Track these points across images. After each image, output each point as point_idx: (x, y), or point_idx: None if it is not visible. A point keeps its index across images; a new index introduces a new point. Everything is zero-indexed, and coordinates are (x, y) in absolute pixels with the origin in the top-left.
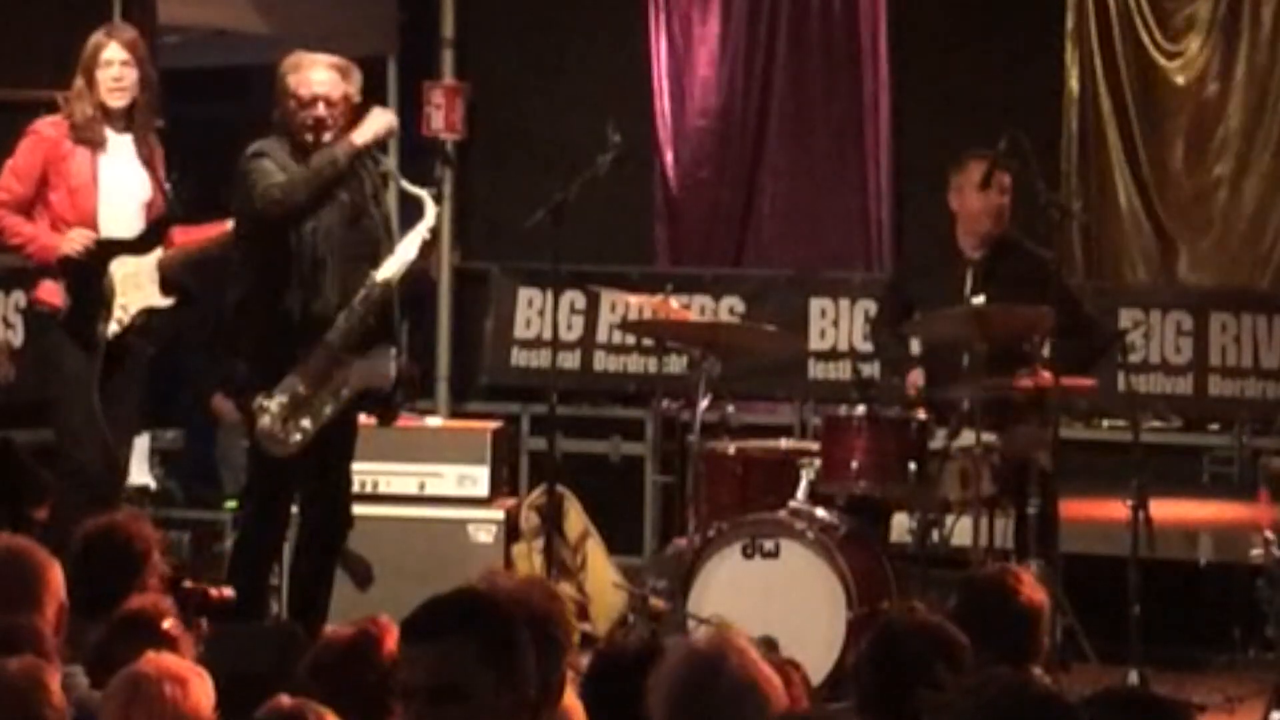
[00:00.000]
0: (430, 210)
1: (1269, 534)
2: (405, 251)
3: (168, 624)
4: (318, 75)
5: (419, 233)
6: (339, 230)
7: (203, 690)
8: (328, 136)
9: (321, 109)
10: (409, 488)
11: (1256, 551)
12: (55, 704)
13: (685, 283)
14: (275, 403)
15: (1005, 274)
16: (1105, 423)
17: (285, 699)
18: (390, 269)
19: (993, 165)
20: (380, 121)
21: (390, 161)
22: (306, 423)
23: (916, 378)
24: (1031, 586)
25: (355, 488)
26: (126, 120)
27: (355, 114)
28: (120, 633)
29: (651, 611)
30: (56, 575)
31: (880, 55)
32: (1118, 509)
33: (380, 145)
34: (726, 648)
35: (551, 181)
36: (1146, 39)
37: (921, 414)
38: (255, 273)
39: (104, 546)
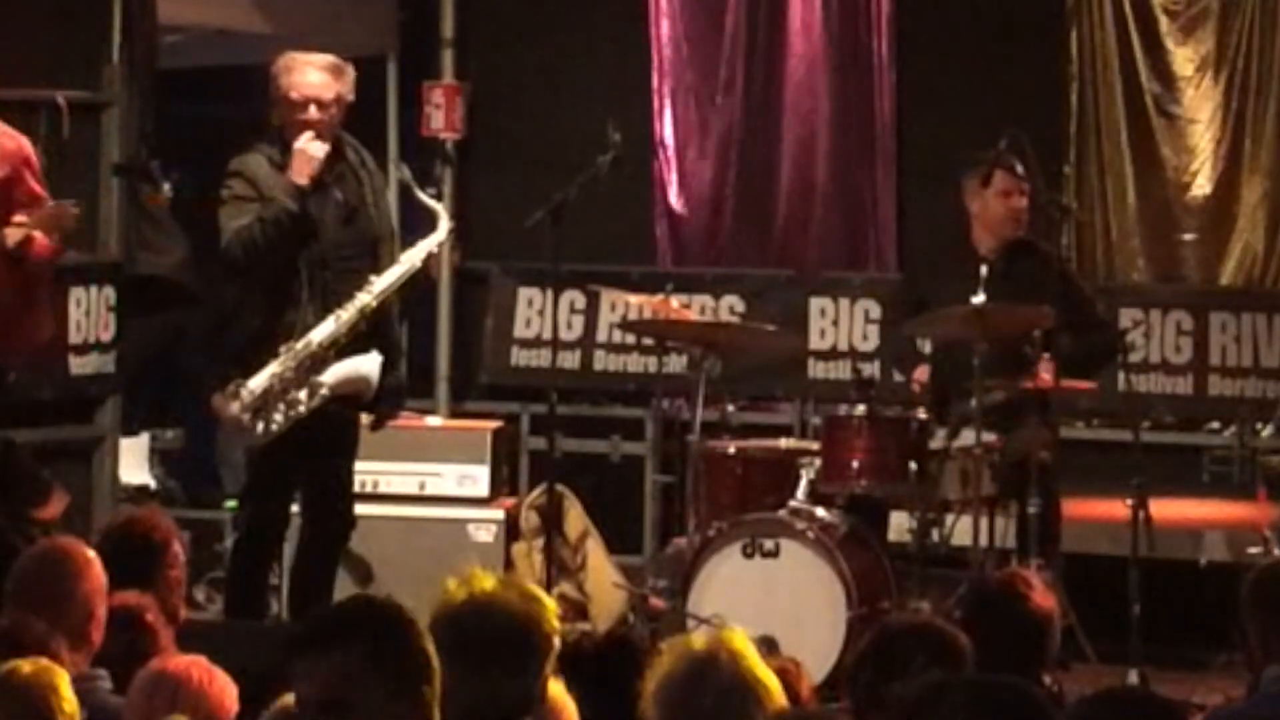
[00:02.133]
0: (444, 225)
1: (1268, 533)
2: (409, 261)
3: (149, 618)
4: (308, 78)
5: (428, 244)
6: (332, 229)
7: (226, 690)
8: (321, 138)
9: (313, 111)
10: (409, 487)
11: (1255, 550)
12: (66, 708)
13: (685, 282)
14: (247, 391)
15: (1020, 274)
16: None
17: (291, 699)
18: (390, 277)
19: (992, 166)
20: (304, 158)
21: (407, 171)
22: (278, 415)
23: (922, 374)
24: (1041, 593)
25: (355, 487)
26: None
27: (350, 113)
28: (106, 628)
29: (651, 611)
30: (91, 577)
31: (883, 54)
32: (1118, 509)
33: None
34: (719, 649)
35: (551, 181)
36: (1148, 38)
37: (922, 413)
38: (245, 277)
39: (123, 540)
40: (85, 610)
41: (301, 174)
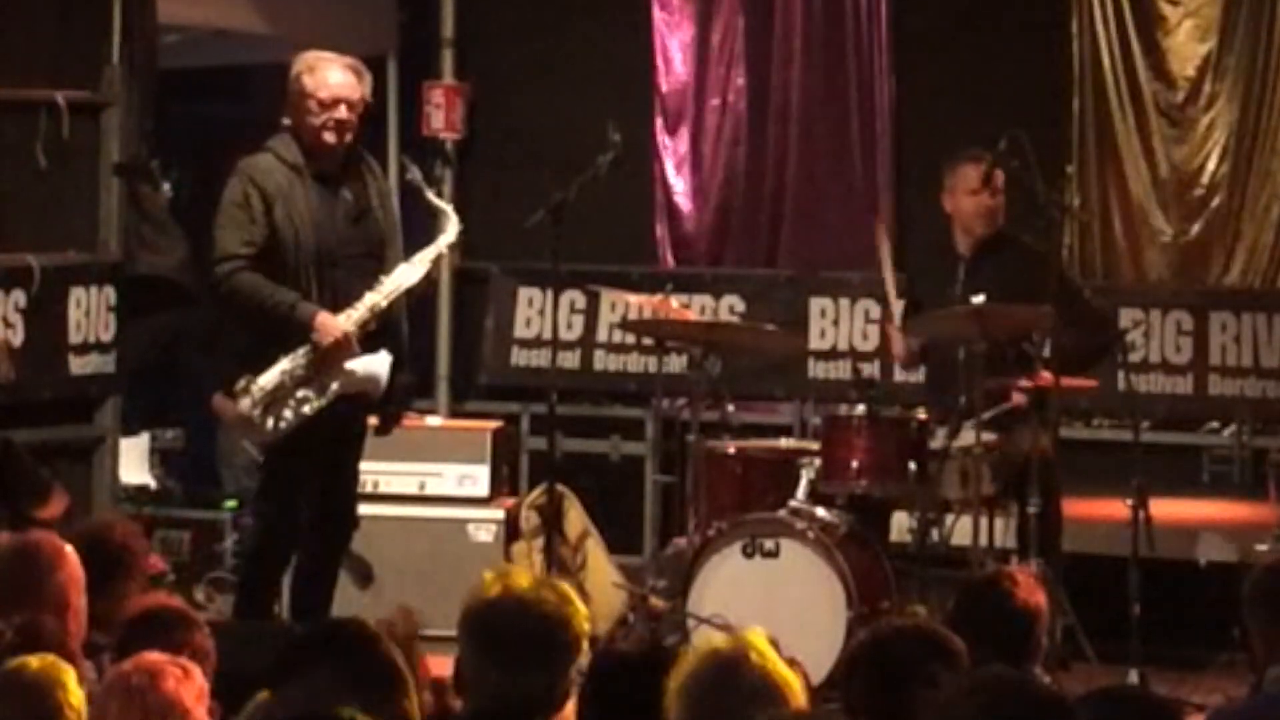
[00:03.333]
0: (453, 227)
1: (1278, 531)
2: (419, 262)
3: (183, 619)
4: (336, 77)
5: (438, 246)
6: (342, 228)
7: (183, 682)
8: (346, 138)
9: (343, 111)
10: (409, 487)
11: (1262, 547)
12: (74, 703)
13: (685, 282)
14: (257, 388)
15: (995, 272)
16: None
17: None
18: (400, 279)
19: (992, 165)
20: (337, 350)
21: (418, 172)
22: (287, 414)
23: (895, 335)
24: (1028, 588)
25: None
26: None
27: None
28: (138, 630)
29: (651, 611)
30: (65, 569)
31: (882, 54)
32: (1118, 509)
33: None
34: (747, 648)
35: (551, 181)
36: (1149, 37)
37: (922, 413)
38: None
39: (97, 548)
40: (60, 602)
41: (322, 340)
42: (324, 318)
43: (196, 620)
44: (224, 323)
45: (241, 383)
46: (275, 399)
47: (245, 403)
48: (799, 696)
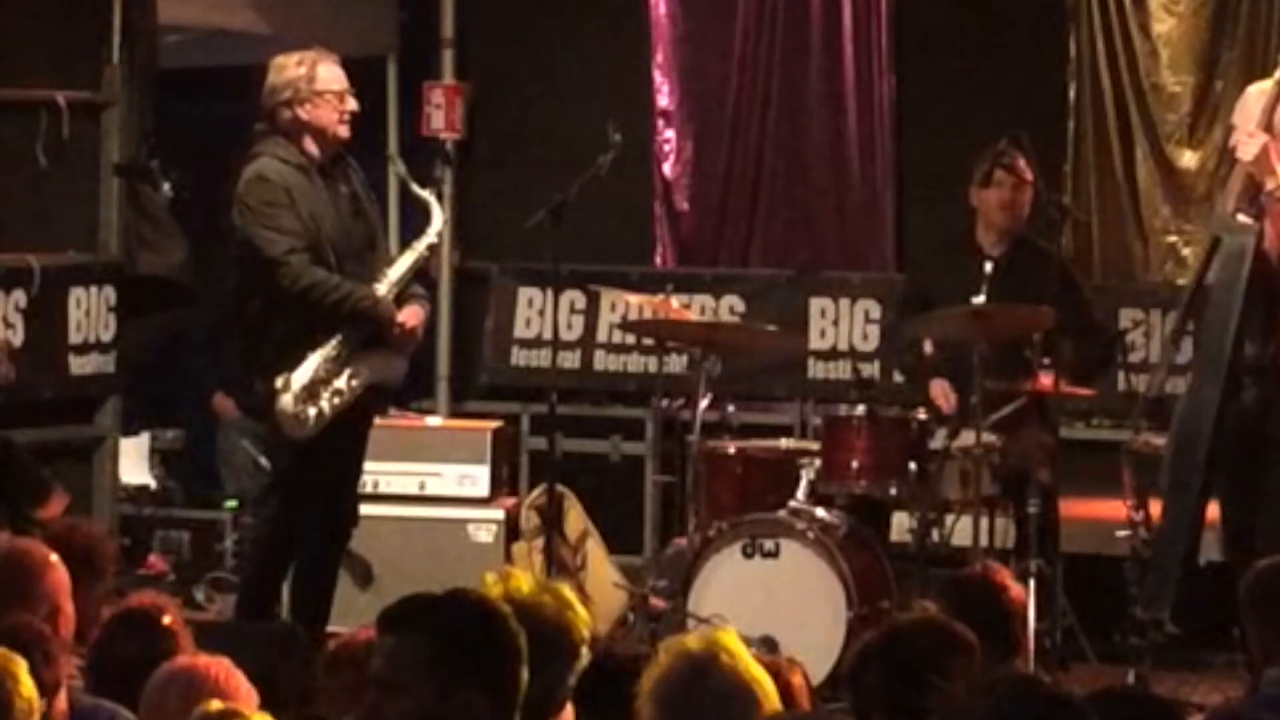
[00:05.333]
0: (437, 216)
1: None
2: (416, 251)
3: (168, 620)
4: (336, 70)
5: (429, 236)
6: (347, 220)
7: (245, 686)
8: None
9: (353, 102)
10: (409, 488)
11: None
12: (24, 694)
13: (685, 283)
14: (297, 383)
15: (1022, 272)
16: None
17: (215, 704)
18: (401, 268)
19: (993, 165)
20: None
21: (402, 166)
22: (324, 405)
23: (941, 389)
24: (1014, 583)
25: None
26: None
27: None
28: (120, 629)
29: (651, 611)
30: (53, 574)
31: (882, 53)
32: (1118, 509)
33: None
34: (717, 648)
35: (551, 181)
36: (1149, 37)
37: (922, 413)
38: (266, 287)
39: (61, 550)
40: (49, 606)
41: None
42: (405, 313)
43: (175, 630)
44: (248, 325)
45: (279, 381)
46: (311, 394)
47: (286, 399)
48: (772, 697)
